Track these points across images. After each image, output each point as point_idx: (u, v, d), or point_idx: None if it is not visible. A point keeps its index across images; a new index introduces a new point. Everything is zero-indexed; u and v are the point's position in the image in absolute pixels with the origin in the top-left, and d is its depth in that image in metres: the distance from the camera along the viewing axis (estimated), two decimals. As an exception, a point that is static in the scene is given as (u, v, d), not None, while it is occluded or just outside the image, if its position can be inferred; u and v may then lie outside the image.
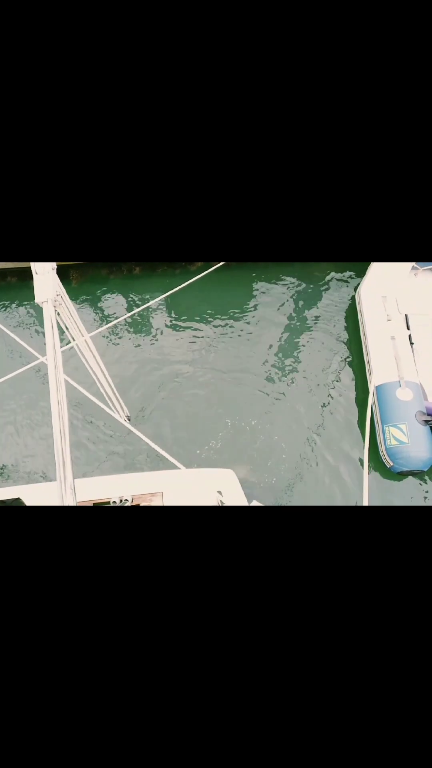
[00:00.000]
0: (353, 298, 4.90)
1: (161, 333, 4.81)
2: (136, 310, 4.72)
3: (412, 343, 4.17)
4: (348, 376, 4.45)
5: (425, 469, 3.70)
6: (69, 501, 1.73)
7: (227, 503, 2.89)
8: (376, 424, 3.94)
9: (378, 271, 4.60)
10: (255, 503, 2.71)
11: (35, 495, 2.84)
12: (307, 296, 5.03)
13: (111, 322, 4.73)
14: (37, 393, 4.35)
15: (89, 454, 4.05)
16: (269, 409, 4.27)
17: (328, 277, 5.17)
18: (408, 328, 4.26)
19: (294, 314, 4.90)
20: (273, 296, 5.03)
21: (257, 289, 5.08)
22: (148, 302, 4.81)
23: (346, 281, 5.13)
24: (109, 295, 5.12)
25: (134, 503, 2.80)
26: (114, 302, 5.07)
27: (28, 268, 2.19)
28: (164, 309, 4.97)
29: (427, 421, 3.71)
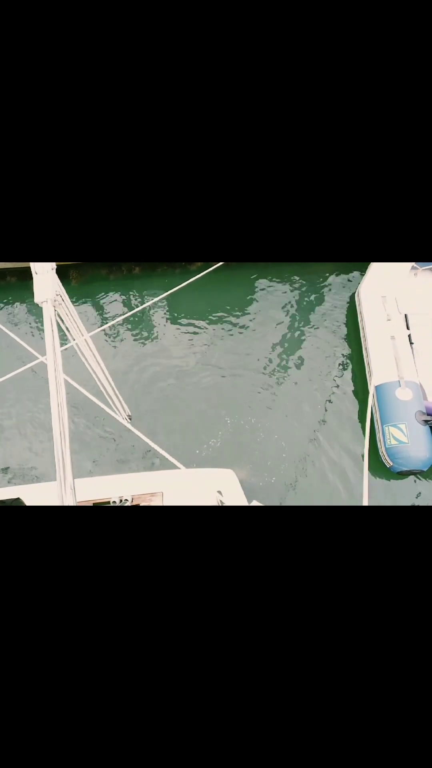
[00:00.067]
0: (353, 297, 4.91)
1: (161, 332, 4.82)
2: (136, 310, 4.73)
3: (411, 343, 4.17)
4: (347, 375, 4.46)
5: (425, 469, 3.70)
6: (69, 501, 1.73)
7: (227, 503, 2.89)
8: (375, 424, 3.94)
9: (378, 271, 4.61)
10: (255, 503, 2.71)
11: (35, 495, 2.83)
12: (307, 296, 5.04)
13: (111, 321, 4.73)
14: (37, 393, 4.35)
15: (89, 454, 4.05)
16: (269, 408, 4.27)
17: (327, 277, 5.18)
18: (408, 328, 4.26)
19: (293, 314, 4.91)
20: (273, 296, 5.04)
21: (257, 289, 5.09)
22: (147, 302, 4.81)
23: (346, 281, 5.14)
24: (109, 294, 5.13)
25: (134, 503, 2.80)
26: (114, 302, 5.08)
27: (28, 268, 2.18)
28: (164, 308, 4.98)
29: (426, 421, 3.71)
